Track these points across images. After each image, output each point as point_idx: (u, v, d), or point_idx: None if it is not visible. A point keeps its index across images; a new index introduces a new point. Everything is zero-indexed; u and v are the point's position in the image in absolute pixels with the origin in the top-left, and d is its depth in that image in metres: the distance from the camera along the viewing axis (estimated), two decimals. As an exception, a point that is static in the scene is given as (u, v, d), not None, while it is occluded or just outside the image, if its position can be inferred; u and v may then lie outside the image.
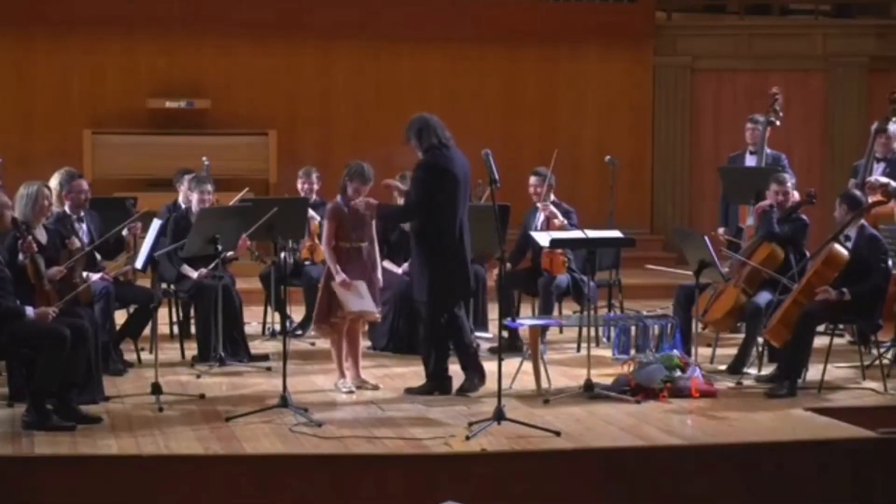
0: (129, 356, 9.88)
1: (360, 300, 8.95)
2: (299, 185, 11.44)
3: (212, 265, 9.75)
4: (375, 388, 9.10)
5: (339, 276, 8.90)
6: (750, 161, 11.79)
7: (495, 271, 10.60)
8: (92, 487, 7.15)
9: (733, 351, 9.97)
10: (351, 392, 9.00)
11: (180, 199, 10.72)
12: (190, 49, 15.33)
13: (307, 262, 11.15)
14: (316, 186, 11.47)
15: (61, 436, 7.68)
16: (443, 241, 8.77)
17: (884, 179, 10.82)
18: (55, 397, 7.93)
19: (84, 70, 15.24)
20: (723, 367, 9.83)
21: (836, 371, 9.70)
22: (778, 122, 11.83)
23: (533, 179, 10.85)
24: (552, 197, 10.90)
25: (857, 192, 9.86)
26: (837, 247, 9.22)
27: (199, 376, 9.50)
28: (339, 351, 9.15)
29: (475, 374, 8.96)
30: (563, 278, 10.61)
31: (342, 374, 9.14)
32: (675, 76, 16.37)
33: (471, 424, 7.95)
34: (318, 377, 9.65)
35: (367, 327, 9.52)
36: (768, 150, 11.76)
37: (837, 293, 9.07)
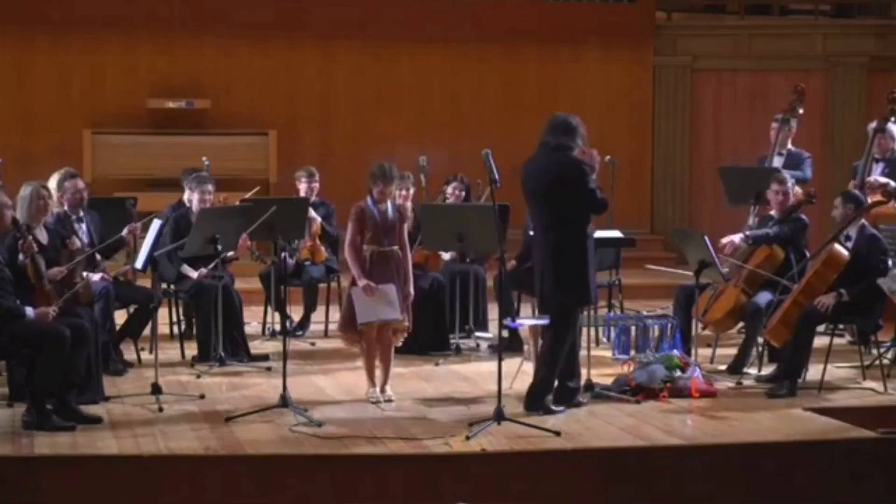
0: (129, 356, 9.88)
1: (384, 308, 8.62)
2: (303, 185, 11.39)
3: (212, 265, 9.76)
4: (389, 400, 8.78)
5: (362, 281, 8.61)
6: (777, 162, 11.63)
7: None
8: (92, 487, 7.15)
9: (733, 351, 9.97)
10: (378, 402, 8.73)
11: (185, 197, 10.71)
12: (190, 49, 15.33)
13: (307, 263, 11.15)
14: (317, 186, 11.45)
15: (61, 436, 7.68)
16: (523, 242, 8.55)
17: (883, 179, 10.83)
18: (55, 397, 7.93)
19: (84, 70, 15.24)
20: (723, 367, 9.83)
21: (836, 371, 9.70)
22: (795, 120, 11.66)
23: None
24: None
25: (858, 192, 9.86)
26: (838, 247, 9.22)
27: (199, 376, 9.50)
28: (370, 360, 8.81)
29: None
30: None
31: (373, 384, 8.82)
32: (675, 76, 16.36)
33: (471, 424, 7.95)
34: (318, 377, 9.66)
35: (399, 341, 9.01)
36: (792, 148, 11.64)
37: (836, 295, 9.08)
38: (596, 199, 8.38)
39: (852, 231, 9.31)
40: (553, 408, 8.43)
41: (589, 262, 8.42)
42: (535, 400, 8.44)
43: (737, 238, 10.01)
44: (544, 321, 9.68)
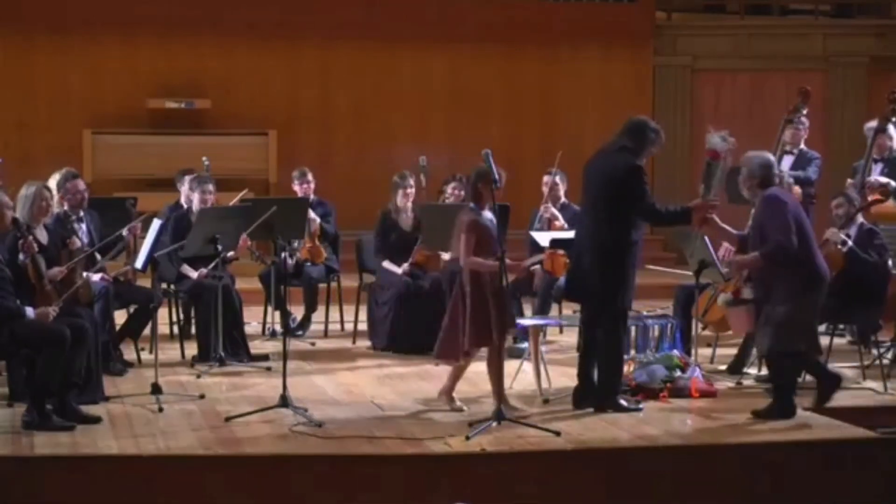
0: (129, 356, 9.87)
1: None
2: (296, 187, 11.40)
3: (212, 265, 9.76)
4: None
5: (527, 262, 8.37)
6: (786, 161, 11.61)
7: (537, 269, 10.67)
8: (92, 487, 7.14)
9: (733, 351, 9.97)
10: (461, 410, 8.45)
11: (182, 198, 10.73)
12: (190, 49, 15.33)
13: (307, 263, 11.15)
14: (313, 186, 11.44)
15: (61, 436, 7.68)
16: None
17: (884, 179, 10.83)
18: (55, 397, 7.93)
19: (84, 70, 15.25)
20: (723, 367, 9.84)
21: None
22: (793, 122, 11.63)
23: (546, 178, 10.93)
24: (562, 198, 10.98)
25: (853, 192, 9.89)
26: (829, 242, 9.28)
27: (199, 376, 9.50)
28: (463, 372, 8.53)
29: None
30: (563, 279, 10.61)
31: (451, 399, 8.51)
32: (675, 76, 16.37)
33: (471, 424, 7.95)
34: (318, 377, 9.65)
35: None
36: (804, 148, 11.61)
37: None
38: (645, 208, 8.44)
39: (852, 230, 9.33)
40: (624, 404, 8.47)
41: (628, 267, 8.40)
42: (603, 399, 8.46)
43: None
44: (543, 322, 9.71)
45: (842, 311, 9.28)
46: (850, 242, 9.33)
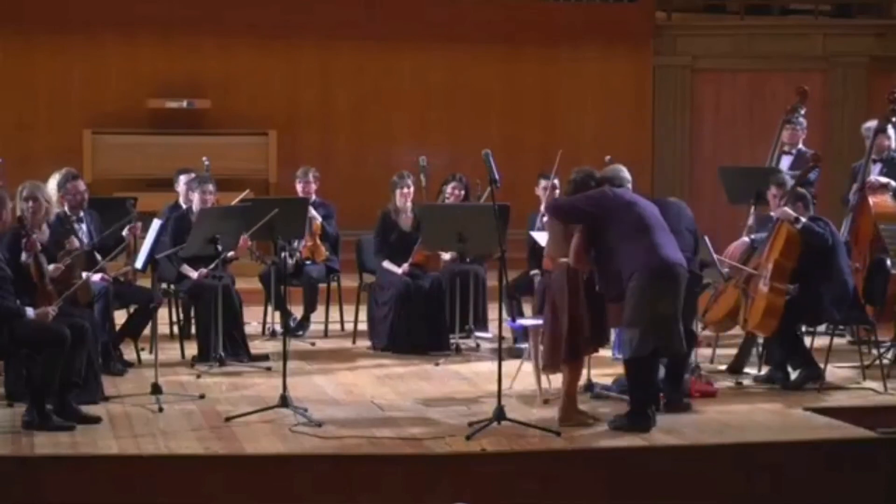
0: (129, 356, 9.87)
1: None
2: (298, 187, 11.41)
3: (212, 265, 9.76)
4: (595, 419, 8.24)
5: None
6: (785, 161, 11.60)
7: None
8: (92, 487, 7.15)
9: (733, 351, 9.98)
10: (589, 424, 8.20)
11: (181, 199, 10.74)
12: (190, 49, 15.31)
13: (307, 262, 11.15)
14: (314, 186, 11.43)
15: (61, 436, 7.68)
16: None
17: (884, 179, 10.82)
18: (55, 397, 7.93)
19: (84, 70, 15.23)
20: (723, 367, 9.84)
21: (837, 371, 9.70)
22: (791, 122, 11.59)
23: (543, 182, 10.93)
24: None
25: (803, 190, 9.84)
26: (787, 225, 9.25)
27: (199, 376, 9.50)
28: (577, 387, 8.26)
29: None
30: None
31: (579, 411, 8.22)
32: (675, 76, 16.36)
33: (471, 424, 7.95)
34: (318, 377, 9.65)
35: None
36: (802, 148, 11.61)
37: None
38: None
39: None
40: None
41: None
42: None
43: (740, 243, 9.98)
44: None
45: (816, 311, 9.32)
46: (802, 219, 9.28)
